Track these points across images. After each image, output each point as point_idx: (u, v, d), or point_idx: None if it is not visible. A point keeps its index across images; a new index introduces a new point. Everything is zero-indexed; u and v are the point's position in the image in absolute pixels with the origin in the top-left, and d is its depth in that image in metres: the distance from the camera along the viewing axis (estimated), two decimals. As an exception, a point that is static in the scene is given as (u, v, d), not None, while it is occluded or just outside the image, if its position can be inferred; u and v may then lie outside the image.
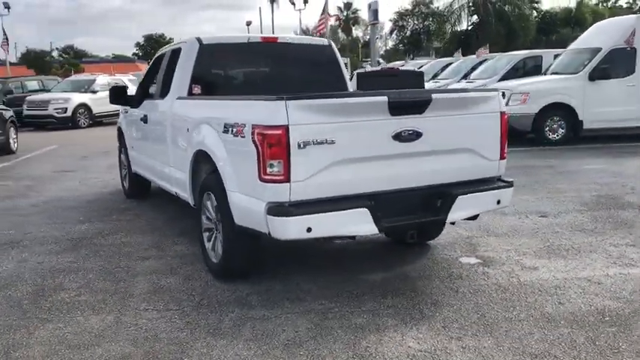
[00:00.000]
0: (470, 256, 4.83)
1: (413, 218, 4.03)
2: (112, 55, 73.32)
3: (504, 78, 14.11)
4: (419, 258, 4.77)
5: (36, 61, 52.66)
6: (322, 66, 6.00)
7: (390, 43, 65.93)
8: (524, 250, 4.93)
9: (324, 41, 6.13)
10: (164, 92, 5.70)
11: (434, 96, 3.91)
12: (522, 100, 11.18)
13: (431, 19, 53.84)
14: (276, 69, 5.91)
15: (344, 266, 4.65)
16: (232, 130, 3.89)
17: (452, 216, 4.02)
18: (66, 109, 19.58)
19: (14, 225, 6.32)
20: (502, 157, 4.27)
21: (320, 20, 30.79)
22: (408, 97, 3.91)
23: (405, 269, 4.53)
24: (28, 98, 20.18)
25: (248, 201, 3.77)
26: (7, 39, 35.55)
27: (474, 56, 20.65)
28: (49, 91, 21.83)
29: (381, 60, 28.39)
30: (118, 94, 6.86)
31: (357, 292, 4.09)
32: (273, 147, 3.48)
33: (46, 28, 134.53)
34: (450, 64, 20.43)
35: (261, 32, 34.50)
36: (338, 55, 5.99)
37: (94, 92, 20.41)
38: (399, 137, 3.77)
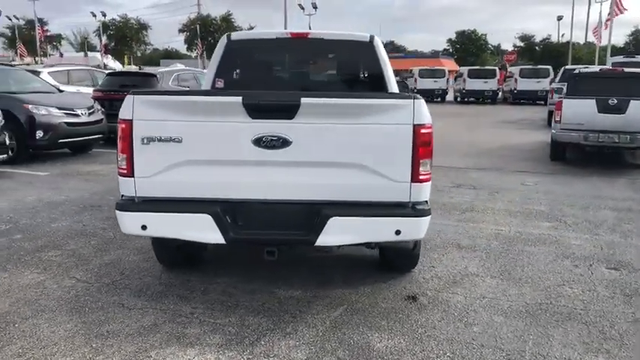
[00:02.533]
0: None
1: (273, 234, 3.64)
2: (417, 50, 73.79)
3: None
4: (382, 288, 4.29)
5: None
6: (358, 63, 5.64)
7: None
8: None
9: (365, 37, 5.20)
10: None
11: (304, 100, 3.42)
12: None
13: None
14: (304, 66, 5.71)
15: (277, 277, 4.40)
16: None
17: (323, 239, 3.48)
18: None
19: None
20: (416, 180, 3.47)
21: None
22: (269, 100, 3.52)
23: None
24: None
25: None
26: None
27: None
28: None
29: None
30: None
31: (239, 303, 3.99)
32: (120, 141, 3.53)
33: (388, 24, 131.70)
34: None
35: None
36: (380, 51, 5.16)
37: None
38: (259, 143, 3.44)
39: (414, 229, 3.52)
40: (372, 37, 5.21)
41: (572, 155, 10.57)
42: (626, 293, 4.25)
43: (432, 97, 30.08)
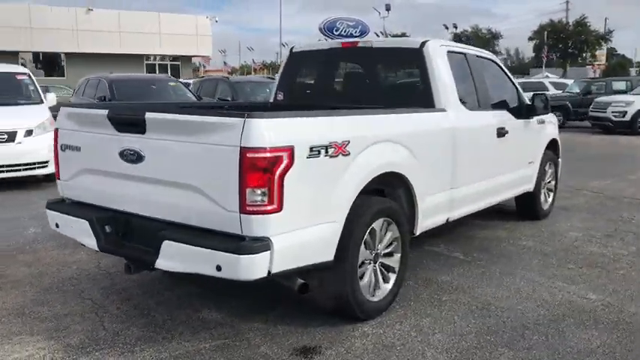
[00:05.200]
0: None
1: (128, 249, 3.58)
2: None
3: None
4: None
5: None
6: (406, 72, 5.35)
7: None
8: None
9: (416, 43, 4.73)
10: None
11: (148, 115, 3.33)
12: None
13: None
14: (355, 75, 5.57)
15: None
16: None
17: (160, 263, 3.27)
18: (625, 112, 17.82)
19: None
20: (245, 211, 2.98)
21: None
22: (124, 113, 3.57)
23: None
24: (596, 99, 18.97)
25: None
26: None
27: None
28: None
29: None
30: None
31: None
32: (53, 148, 4.06)
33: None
34: None
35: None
36: (430, 59, 4.58)
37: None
38: (123, 156, 3.48)
39: (232, 267, 2.99)
40: (423, 44, 4.66)
41: None
42: None
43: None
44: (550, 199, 6.98)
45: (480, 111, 5.13)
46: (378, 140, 3.75)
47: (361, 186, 3.60)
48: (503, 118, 5.46)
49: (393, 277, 4.05)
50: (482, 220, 6.60)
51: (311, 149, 3.19)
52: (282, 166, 3.02)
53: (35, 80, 10.09)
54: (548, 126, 6.64)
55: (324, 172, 3.32)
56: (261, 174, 2.97)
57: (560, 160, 7.21)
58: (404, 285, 4.45)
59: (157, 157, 3.36)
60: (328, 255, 3.45)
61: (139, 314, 3.97)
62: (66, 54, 36.77)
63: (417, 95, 4.74)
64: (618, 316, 3.99)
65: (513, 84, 5.98)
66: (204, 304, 4.11)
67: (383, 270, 3.97)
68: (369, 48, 5.10)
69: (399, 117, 4.10)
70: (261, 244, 3.01)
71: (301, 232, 3.22)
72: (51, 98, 10.08)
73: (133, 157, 3.44)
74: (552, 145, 6.86)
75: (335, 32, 32.76)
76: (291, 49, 5.64)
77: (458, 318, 3.93)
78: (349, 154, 3.47)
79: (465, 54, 5.18)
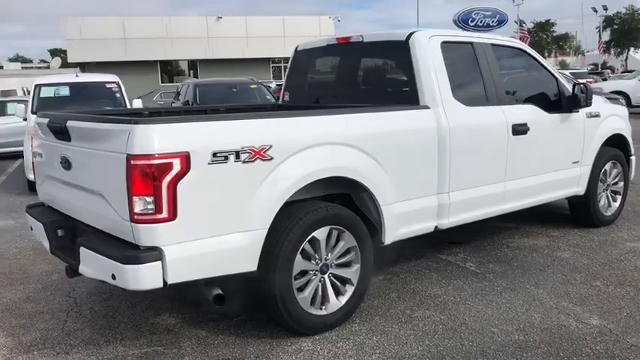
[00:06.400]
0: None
1: (65, 254, 3.57)
2: None
3: None
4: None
5: None
6: (394, 67, 4.90)
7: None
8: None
9: (402, 35, 4.31)
10: None
11: (68, 123, 3.39)
12: None
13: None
14: (348, 71, 5.24)
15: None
16: None
17: (81, 268, 3.28)
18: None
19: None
20: (133, 219, 2.91)
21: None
22: (55, 122, 3.60)
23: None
24: None
25: None
26: None
27: None
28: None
29: None
30: None
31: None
32: None
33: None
34: None
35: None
36: (416, 53, 4.18)
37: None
38: (61, 163, 3.55)
39: (122, 276, 2.93)
40: (409, 36, 4.27)
41: None
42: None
43: None
44: (616, 204, 6.08)
45: (488, 106, 4.57)
46: (316, 143, 3.48)
47: (291, 192, 3.36)
48: (525, 112, 4.83)
49: (350, 289, 3.75)
50: (530, 226, 5.96)
51: (214, 155, 3.04)
52: (173, 173, 2.91)
53: (123, 88, 10.87)
54: (609, 120, 5.77)
55: (234, 179, 3.14)
56: (147, 181, 2.86)
57: (633, 157, 6.25)
58: (382, 296, 4.14)
59: (78, 164, 3.42)
60: (249, 265, 3.27)
61: (103, 316, 4.08)
62: (199, 61, 39.35)
63: (404, 92, 4.33)
64: (608, 347, 3.34)
65: (552, 74, 5.26)
66: (169, 310, 4.11)
67: (336, 282, 3.70)
68: (359, 42, 4.74)
69: (352, 117, 3.78)
70: (149, 255, 2.92)
71: (205, 242, 3.08)
72: (137, 104, 10.81)
73: (65, 164, 3.52)
74: (619, 142, 5.97)
75: (470, 23, 31.47)
76: (296, 47, 5.46)
77: (414, 338, 3.54)
78: (272, 159, 3.26)
79: (472, 43, 4.65)
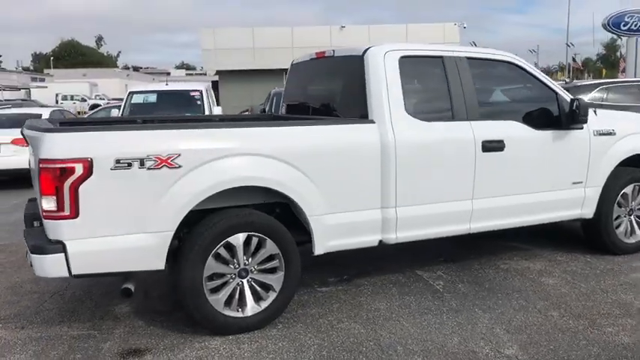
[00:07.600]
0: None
1: None
2: None
3: None
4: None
5: None
6: (350, 81, 4.76)
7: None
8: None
9: (359, 51, 4.41)
10: None
11: (24, 132, 3.99)
12: None
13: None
14: (318, 85, 5.47)
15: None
16: None
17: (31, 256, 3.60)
18: None
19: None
20: (44, 216, 3.37)
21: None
22: (23, 130, 4.11)
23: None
24: None
25: None
26: None
27: None
28: None
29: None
30: None
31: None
32: None
33: None
34: None
35: None
36: (369, 67, 4.23)
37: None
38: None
39: (32, 263, 3.42)
40: (366, 51, 4.33)
41: None
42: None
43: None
44: (644, 230, 5.51)
45: (452, 122, 4.44)
46: (232, 154, 3.69)
47: (200, 198, 3.60)
48: (503, 129, 4.61)
49: (272, 295, 3.90)
50: (541, 249, 5.62)
51: (117, 161, 3.38)
52: (75, 176, 3.30)
53: (206, 96, 11.75)
54: (629, 138, 5.27)
55: (138, 184, 3.46)
56: (52, 183, 3.28)
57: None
58: (323, 305, 4.25)
59: (32, 166, 3.96)
60: (156, 264, 3.57)
61: (77, 300, 4.60)
62: (323, 69, 40.45)
63: (357, 106, 4.35)
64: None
65: (551, 90, 4.94)
66: (135, 301, 4.44)
67: (256, 287, 3.87)
68: (332, 57, 4.84)
69: (278, 130, 3.93)
70: (53, 247, 3.35)
71: (108, 239, 3.44)
72: (217, 111, 11.63)
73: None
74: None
75: (623, 27, 29.10)
76: (292, 61, 5.66)
77: (316, 348, 3.61)
78: (180, 166, 3.53)
79: (442, 57, 4.55)
